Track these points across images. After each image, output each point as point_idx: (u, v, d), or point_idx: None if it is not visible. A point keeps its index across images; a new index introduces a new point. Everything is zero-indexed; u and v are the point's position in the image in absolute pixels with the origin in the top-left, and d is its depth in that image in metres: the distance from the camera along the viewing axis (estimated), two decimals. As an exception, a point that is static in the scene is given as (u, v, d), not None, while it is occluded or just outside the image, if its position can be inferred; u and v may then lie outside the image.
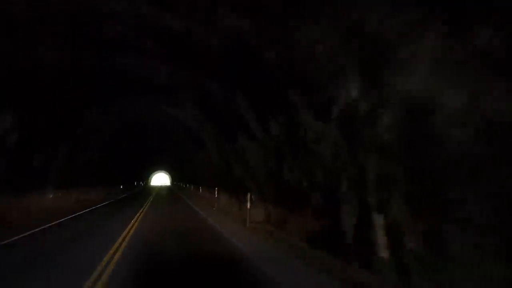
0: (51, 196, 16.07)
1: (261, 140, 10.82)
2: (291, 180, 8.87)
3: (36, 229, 10.51)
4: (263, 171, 11.67)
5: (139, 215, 15.18)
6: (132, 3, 7.24)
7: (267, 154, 10.72)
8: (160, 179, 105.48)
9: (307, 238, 8.32)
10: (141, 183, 60.61)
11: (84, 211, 16.51)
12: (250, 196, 12.49)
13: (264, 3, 5.74)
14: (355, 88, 5.23)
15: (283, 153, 9.14)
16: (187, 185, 39.99)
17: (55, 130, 14.12)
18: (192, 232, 10.99)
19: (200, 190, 28.30)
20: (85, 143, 18.24)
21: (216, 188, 19.60)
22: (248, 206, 12.17)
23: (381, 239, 4.86)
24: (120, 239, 9.03)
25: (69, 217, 14.06)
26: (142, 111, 18.37)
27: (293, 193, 9.03)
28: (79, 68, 10.57)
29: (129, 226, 11.54)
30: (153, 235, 10.19)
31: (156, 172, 78.79)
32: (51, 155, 15.05)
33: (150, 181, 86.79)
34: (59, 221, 12.70)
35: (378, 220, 4.89)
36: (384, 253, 4.83)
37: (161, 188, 63.37)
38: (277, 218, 11.33)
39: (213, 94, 12.40)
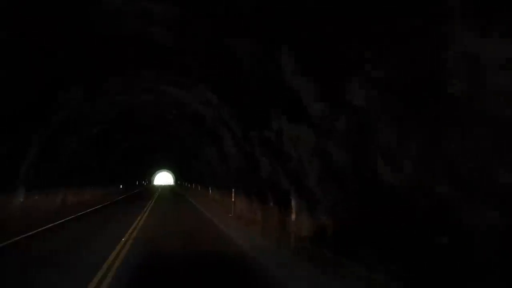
0: (21, 199, 12.34)
1: (320, 119, 7.02)
2: (395, 181, 5.07)
3: None
4: (316, 166, 7.88)
5: (136, 226, 11.50)
6: None
7: (331, 139, 6.93)
8: (163, 178, 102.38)
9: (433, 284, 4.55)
10: (143, 182, 57.66)
11: (55, 223, 12.16)
12: (292, 203, 8.71)
13: None
14: None
15: (376, 134, 5.34)
16: (193, 185, 36.23)
17: (19, 116, 10.38)
18: (211, 255, 7.31)
19: (210, 191, 24.52)
20: (67, 134, 14.46)
21: (233, 190, 15.85)
22: (293, 218, 8.40)
23: None
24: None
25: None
26: (138, 94, 14.55)
27: (395, 203, 5.25)
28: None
29: (117, 250, 7.83)
30: (153, 253, 6.50)
31: (159, 171, 75.50)
32: (19, 149, 11.32)
33: (153, 181, 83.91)
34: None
35: None
36: None
37: (164, 188, 60.25)
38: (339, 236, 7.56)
39: (237, 59, 8.61)
